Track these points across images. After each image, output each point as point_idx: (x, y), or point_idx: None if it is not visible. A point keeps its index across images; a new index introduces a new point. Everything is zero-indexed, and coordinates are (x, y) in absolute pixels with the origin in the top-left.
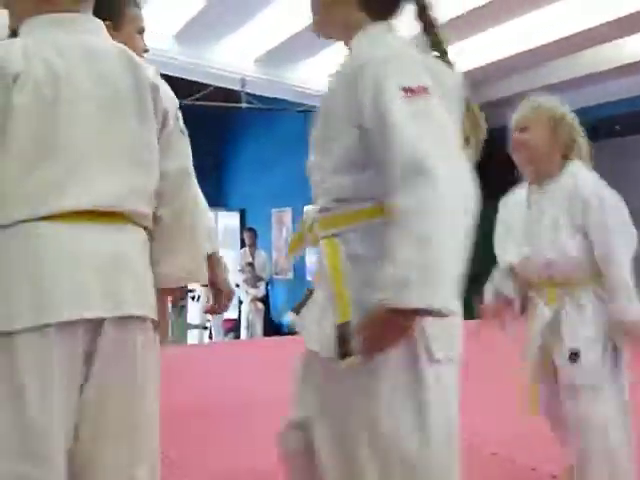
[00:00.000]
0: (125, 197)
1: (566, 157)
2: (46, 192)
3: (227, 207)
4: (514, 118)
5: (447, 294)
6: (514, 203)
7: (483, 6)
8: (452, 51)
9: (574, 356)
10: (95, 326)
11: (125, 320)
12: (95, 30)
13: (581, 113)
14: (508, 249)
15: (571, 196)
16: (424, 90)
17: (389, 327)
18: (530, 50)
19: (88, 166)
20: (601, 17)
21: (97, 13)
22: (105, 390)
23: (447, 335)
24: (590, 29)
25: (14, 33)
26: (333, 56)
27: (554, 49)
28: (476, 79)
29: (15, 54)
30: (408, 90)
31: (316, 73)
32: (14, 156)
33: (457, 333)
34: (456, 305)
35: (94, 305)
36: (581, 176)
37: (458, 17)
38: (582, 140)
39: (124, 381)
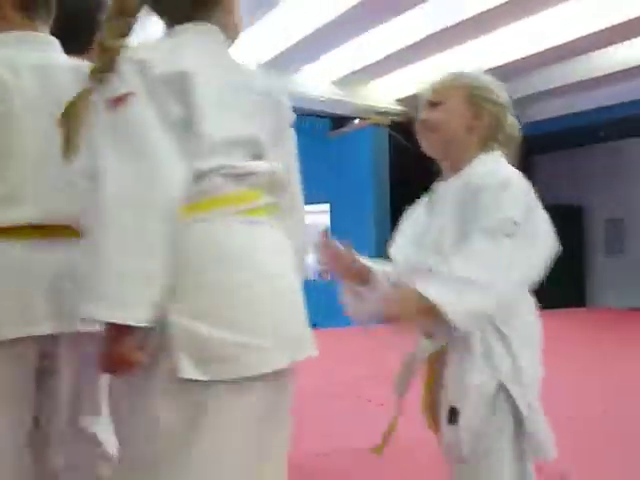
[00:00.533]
0: (76, 210)
1: (486, 144)
2: None
3: None
4: (425, 90)
5: (115, 305)
6: (417, 204)
7: (478, 15)
8: (453, 56)
9: (453, 414)
10: (52, 341)
11: (80, 334)
12: (49, 47)
13: (575, 119)
14: (396, 258)
15: (464, 191)
16: (124, 99)
17: (106, 342)
18: (524, 58)
19: (40, 180)
20: (595, 24)
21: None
22: (58, 404)
23: (225, 352)
24: (584, 36)
25: None
26: (333, 62)
27: (548, 56)
28: None
29: None
30: (111, 101)
31: (316, 79)
32: None
33: (251, 352)
34: (136, 316)
35: (42, 322)
36: (487, 167)
37: (455, 25)
38: (511, 124)
39: (74, 394)
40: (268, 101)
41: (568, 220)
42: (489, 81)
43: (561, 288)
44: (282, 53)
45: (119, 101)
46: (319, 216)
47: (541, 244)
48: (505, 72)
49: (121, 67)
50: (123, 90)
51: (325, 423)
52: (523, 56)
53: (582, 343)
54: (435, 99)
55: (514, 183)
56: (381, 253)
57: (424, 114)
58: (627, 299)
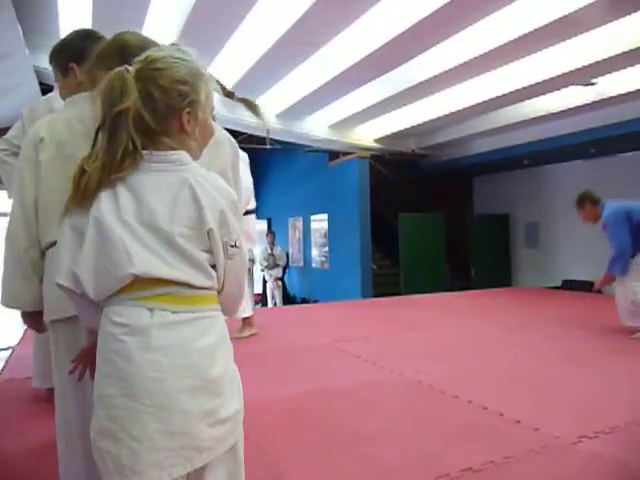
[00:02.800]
0: None
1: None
2: None
3: (259, 217)
4: None
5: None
6: None
7: (432, 78)
8: (414, 108)
9: None
10: None
11: None
12: None
13: (503, 151)
14: None
15: None
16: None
17: None
18: (467, 107)
19: None
20: (515, 83)
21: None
22: None
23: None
24: (511, 91)
25: None
26: (329, 113)
27: (486, 106)
28: (431, 127)
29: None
30: None
31: (317, 125)
32: None
33: None
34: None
35: None
36: None
37: (414, 86)
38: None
39: None
40: None
41: (499, 224)
42: (158, 73)
43: (494, 273)
44: (292, 107)
45: None
46: (321, 222)
47: None
48: (455, 117)
49: None
50: None
51: (314, 370)
52: (467, 106)
53: (509, 311)
54: None
55: None
56: (365, 250)
57: None
58: (541, 281)
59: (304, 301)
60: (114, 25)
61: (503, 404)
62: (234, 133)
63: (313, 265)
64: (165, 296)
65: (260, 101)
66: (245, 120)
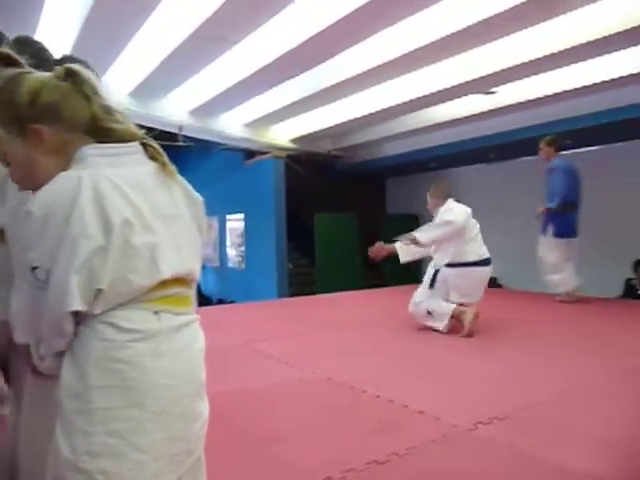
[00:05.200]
0: None
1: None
2: None
3: None
4: None
5: None
6: None
7: (343, 81)
8: (330, 109)
9: None
10: None
11: None
12: None
13: (412, 154)
14: None
15: None
16: None
17: None
18: (378, 111)
19: None
20: (424, 89)
21: None
22: None
23: None
24: (419, 97)
25: None
26: (244, 111)
27: (395, 111)
28: (345, 129)
29: None
30: None
31: (232, 123)
32: None
33: None
34: None
35: None
36: None
37: (328, 88)
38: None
39: None
40: None
41: (408, 224)
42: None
43: (406, 270)
44: (206, 103)
45: None
46: (237, 222)
47: None
48: (368, 120)
49: None
50: None
51: (225, 371)
52: (378, 109)
53: None
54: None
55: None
56: (280, 250)
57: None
58: None
59: (220, 302)
60: (9, 18)
61: (408, 396)
62: (145, 129)
63: (229, 265)
64: (169, 298)
65: (172, 96)
66: (156, 115)
